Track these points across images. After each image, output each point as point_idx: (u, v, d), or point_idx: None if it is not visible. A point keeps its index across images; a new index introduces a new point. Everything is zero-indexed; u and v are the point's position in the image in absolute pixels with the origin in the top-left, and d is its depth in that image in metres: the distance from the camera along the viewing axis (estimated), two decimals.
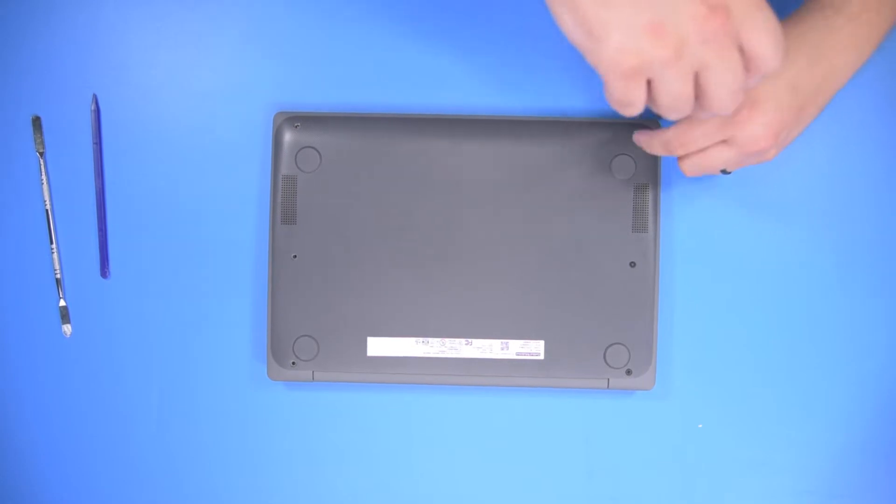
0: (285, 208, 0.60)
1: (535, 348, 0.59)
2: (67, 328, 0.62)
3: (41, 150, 0.61)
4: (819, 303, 0.61)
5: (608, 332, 0.59)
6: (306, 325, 0.60)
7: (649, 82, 0.43)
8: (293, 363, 0.60)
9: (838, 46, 0.52)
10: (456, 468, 0.62)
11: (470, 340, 0.60)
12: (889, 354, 0.61)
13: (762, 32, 0.42)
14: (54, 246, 0.62)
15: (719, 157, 0.52)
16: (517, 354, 0.60)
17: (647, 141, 0.56)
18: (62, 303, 0.62)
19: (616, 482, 0.62)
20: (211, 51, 0.62)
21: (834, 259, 0.61)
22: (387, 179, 0.59)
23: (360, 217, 0.59)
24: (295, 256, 0.60)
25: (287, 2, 0.62)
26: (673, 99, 0.43)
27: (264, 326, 0.61)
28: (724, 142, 0.51)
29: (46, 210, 0.62)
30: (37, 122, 0.61)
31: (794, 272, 0.61)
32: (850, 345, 0.61)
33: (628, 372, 0.59)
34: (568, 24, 0.41)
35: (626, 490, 0.62)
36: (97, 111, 0.61)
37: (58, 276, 0.62)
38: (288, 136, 0.60)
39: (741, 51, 0.42)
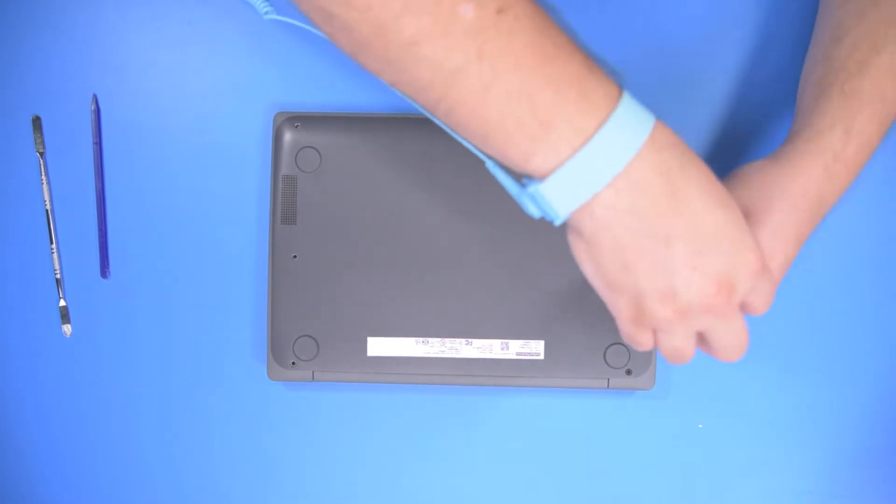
0: (285, 208, 0.60)
1: (535, 348, 0.59)
2: (67, 328, 0.62)
3: (41, 150, 0.61)
4: (819, 302, 0.61)
5: (608, 332, 0.59)
6: (306, 325, 0.60)
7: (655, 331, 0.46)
8: (293, 363, 0.60)
9: (838, 191, 0.51)
10: (456, 468, 0.62)
11: (470, 340, 0.60)
12: (889, 354, 0.61)
13: (761, 300, 0.45)
14: (54, 246, 0.62)
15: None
16: (517, 354, 0.60)
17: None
18: (62, 303, 0.62)
19: (616, 482, 0.62)
20: (211, 51, 0.62)
21: (834, 259, 0.61)
22: (387, 179, 0.59)
23: (360, 217, 0.59)
24: (295, 256, 0.60)
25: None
26: (673, 351, 0.46)
27: (264, 326, 0.61)
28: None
29: (46, 210, 0.62)
30: (37, 122, 0.61)
31: (793, 272, 0.61)
32: (850, 345, 0.61)
33: (628, 372, 0.59)
34: (589, 270, 0.44)
35: (626, 490, 0.62)
36: (97, 111, 0.61)
37: (58, 276, 0.62)
38: (288, 136, 0.60)
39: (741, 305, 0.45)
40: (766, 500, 0.62)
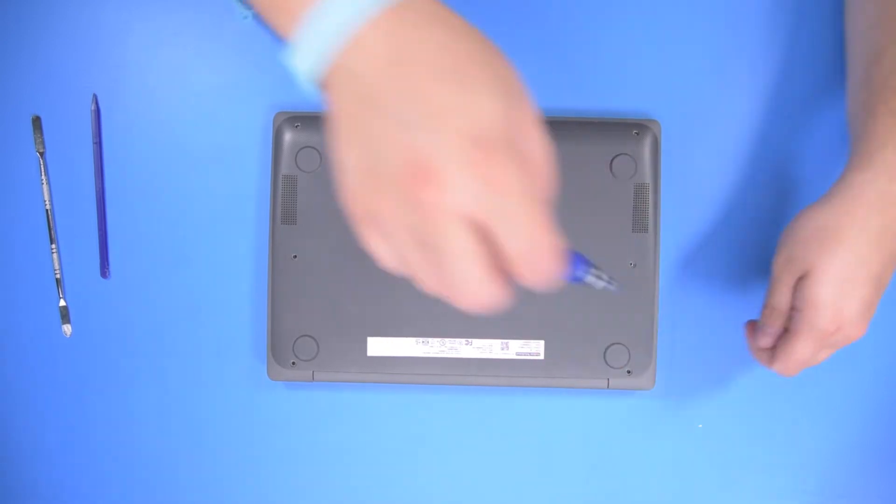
0: (285, 208, 0.60)
1: (535, 348, 0.59)
2: (67, 328, 0.62)
3: (41, 150, 0.61)
4: None
5: (608, 332, 0.59)
6: (306, 325, 0.60)
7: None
8: (293, 363, 0.60)
9: None
10: (456, 468, 0.62)
11: (470, 340, 0.60)
12: (889, 354, 0.61)
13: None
14: (54, 246, 0.62)
15: (821, 358, 0.53)
16: (517, 354, 0.60)
17: (760, 356, 0.56)
18: (62, 303, 0.62)
19: (616, 482, 0.62)
20: (211, 51, 0.62)
21: None
22: None
23: None
24: (295, 256, 0.60)
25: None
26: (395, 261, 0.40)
27: (264, 326, 0.61)
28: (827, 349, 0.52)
29: (46, 210, 0.62)
30: (37, 122, 0.61)
31: None
32: (850, 345, 0.61)
33: (628, 372, 0.59)
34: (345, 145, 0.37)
35: (626, 490, 0.62)
36: (97, 111, 0.61)
37: (58, 276, 0.62)
38: (288, 136, 0.60)
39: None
40: (766, 500, 0.62)
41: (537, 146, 0.37)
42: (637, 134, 0.59)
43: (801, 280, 0.51)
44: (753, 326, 0.57)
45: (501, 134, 0.34)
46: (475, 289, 0.37)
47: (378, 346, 0.60)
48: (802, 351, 0.52)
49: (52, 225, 0.61)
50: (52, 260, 0.62)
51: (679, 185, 0.61)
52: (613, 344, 0.59)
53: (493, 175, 0.33)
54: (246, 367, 0.62)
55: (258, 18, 0.39)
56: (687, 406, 0.62)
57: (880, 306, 0.60)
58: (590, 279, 0.43)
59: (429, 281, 0.37)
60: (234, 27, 0.62)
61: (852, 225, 0.48)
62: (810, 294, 0.50)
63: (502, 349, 0.60)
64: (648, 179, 0.59)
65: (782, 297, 0.53)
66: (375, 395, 0.62)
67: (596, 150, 0.59)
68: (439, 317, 0.59)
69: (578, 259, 0.43)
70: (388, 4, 0.34)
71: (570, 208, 0.59)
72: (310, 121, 0.60)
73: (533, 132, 0.36)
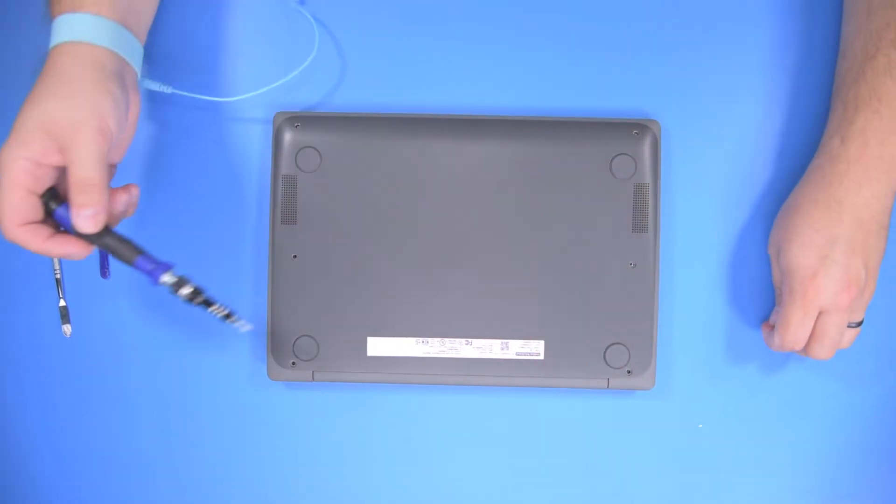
0: (285, 208, 0.60)
1: (535, 348, 0.59)
2: (67, 328, 0.62)
3: None
4: None
5: (608, 332, 0.59)
6: (306, 325, 0.60)
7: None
8: (293, 363, 0.60)
9: (855, 188, 0.54)
10: (456, 468, 0.62)
11: (470, 340, 0.60)
12: (889, 354, 0.61)
13: None
14: None
15: (831, 332, 0.56)
16: (517, 354, 0.60)
17: (776, 348, 0.59)
18: (62, 303, 0.62)
19: (616, 482, 0.62)
20: (211, 51, 0.62)
21: None
22: (387, 179, 0.59)
23: (360, 217, 0.59)
24: (295, 256, 0.60)
25: (286, 2, 0.62)
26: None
27: (264, 326, 0.61)
28: (823, 315, 0.56)
29: None
30: None
31: None
32: (854, 342, 0.61)
33: (628, 372, 0.59)
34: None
35: (626, 490, 0.62)
36: None
37: (58, 276, 0.62)
38: (288, 136, 0.60)
39: None
40: (766, 500, 0.62)
41: None
42: (637, 134, 0.59)
43: (779, 258, 0.57)
44: (768, 325, 0.60)
45: None
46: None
47: (378, 346, 0.60)
48: (793, 318, 0.56)
49: None
50: (52, 260, 0.62)
51: (679, 185, 0.61)
52: (613, 344, 0.59)
53: None
54: (246, 367, 0.62)
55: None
56: (687, 406, 0.62)
57: (881, 306, 0.60)
58: (164, 283, 0.53)
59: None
60: (234, 26, 0.62)
61: (803, 200, 0.56)
62: (782, 264, 0.57)
63: (502, 349, 0.60)
64: (648, 179, 0.59)
65: (775, 275, 0.59)
66: (375, 395, 0.62)
67: (596, 150, 0.59)
68: (439, 317, 0.59)
69: (160, 268, 0.53)
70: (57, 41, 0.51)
71: (570, 208, 0.59)
72: (310, 121, 0.60)
73: None
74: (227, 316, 0.54)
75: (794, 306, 0.55)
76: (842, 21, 0.58)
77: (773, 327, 0.59)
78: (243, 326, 0.54)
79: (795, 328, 0.56)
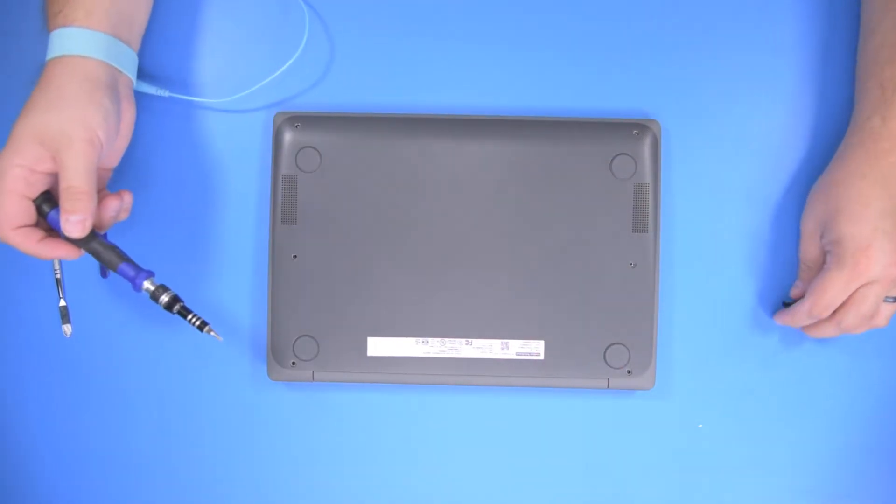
0: (285, 208, 0.60)
1: (535, 348, 0.59)
2: (67, 328, 0.62)
3: None
4: None
5: (608, 332, 0.59)
6: (306, 325, 0.60)
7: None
8: (293, 363, 0.60)
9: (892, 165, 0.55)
10: (456, 468, 0.62)
11: (470, 340, 0.60)
12: (889, 354, 0.61)
13: None
14: None
15: (870, 301, 0.56)
16: (517, 354, 0.60)
17: (791, 318, 0.59)
18: (62, 303, 0.62)
19: (616, 482, 0.62)
20: (211, 51, 0.62)
21: None
22: (387, 179, 0.59)
23: (360, 217, 0.59)
24: (295, 256, 0.60)
25: (286, 2, 0.62)
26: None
27: (264, 326, 0.61)
28: (865, 286, 0.56)
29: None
30: None
31: (794, 272, 0.61)
32: (850, 344, 0.61)
33: (628, 372, 0.59)
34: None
35: (626, 490, 0.62)
36: None
37: (58, 276, 0.62)
38: (288, 136, 0.60)
39: None
40: (766, 500, 0.62)
41: None
42: (637, 134, 0.59)
43: (824, 230, 0.57)
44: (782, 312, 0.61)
45: None
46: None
47: (378, 346, 0.60)
48: (834, 284, 0.56)
49: None
50: (53, 260, 0.62)
51: (679, 185, 0.61)
52: (613, 344, 0.59)
53: None
54: (246, 367, 0.62)
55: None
56: (687, 406, 0.62)
57: None
58: (146, 290, 0.55)
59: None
60: (234, 26, 0.62)
61: (848, 174, 0.56)
62: (830, 236, 0.56)
63: (502, 349, 0.60)
64: (648, 179, 0.59)
65: (808, 249, 0.59)
66: (375, 395, 0.62)
67: (596, 150, 0.59)
68: (439, 317, 0.59)
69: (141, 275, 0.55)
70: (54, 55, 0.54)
71: (570, 208, 0.59)
72: (310, 121, 0.60)
73: None
74: (202, 326, 0.56)
75: (839, 272, 0.55)
76: (862, 1, 0.59)
77: (787, 305, 0.60)
78: (216, 337, 0.57)
79: (833, 294, 0.56)
